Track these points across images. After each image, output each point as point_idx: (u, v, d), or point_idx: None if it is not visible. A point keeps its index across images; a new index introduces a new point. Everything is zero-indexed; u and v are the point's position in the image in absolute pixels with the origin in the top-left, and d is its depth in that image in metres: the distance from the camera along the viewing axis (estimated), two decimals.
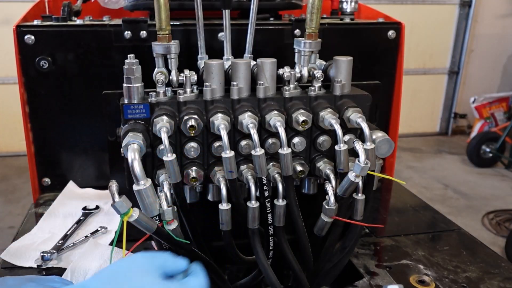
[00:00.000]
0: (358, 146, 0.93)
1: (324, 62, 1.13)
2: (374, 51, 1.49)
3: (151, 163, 1.01)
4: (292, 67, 1.08)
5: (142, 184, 0.84)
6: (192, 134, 0.96)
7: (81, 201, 1.36)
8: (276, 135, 0.99)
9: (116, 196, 0.79)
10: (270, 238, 1.03)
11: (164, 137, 0.90)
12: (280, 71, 1.05)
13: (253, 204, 0.96)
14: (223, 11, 1.17)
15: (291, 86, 1.03)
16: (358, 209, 1.01)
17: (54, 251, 1.09)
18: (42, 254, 1.07)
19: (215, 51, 1.20)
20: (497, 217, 3.84)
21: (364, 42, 1.47)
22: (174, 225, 0.90)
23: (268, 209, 0.99)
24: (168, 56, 1.03)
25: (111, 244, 1.15)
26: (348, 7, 1.66)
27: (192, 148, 0.99)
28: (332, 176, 1.02)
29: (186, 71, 1.01)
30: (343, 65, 1.05)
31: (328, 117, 0.99)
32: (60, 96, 1.36)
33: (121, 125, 0.99)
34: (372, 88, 1.13)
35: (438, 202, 4.05)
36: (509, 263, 1.11)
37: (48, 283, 0.79)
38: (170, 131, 0.94)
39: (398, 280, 1.05)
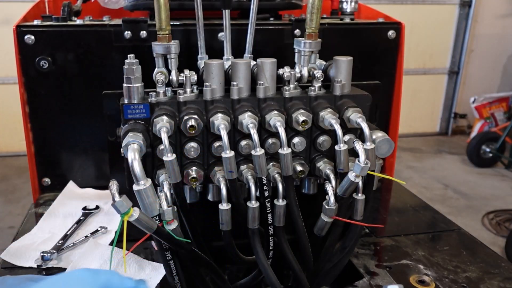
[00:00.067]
0: (358, 146, 0.93)
1: (324, 62, 1.13)
2: (374, 51, 1.49)
3: (151, 163, 1.01)
4: (292, 67, 1.08)
5: (142, 184, 0.84)
6: (192, 134, 0.96)
7: (81, 201, 1.36)
8: (276, 135, 0.99)
9: (117, 195, 0.79)
10: (270, 238, 1.03)
11: (164, 137, 0.90)
12: (280, 71, 1.06)
13: (253, 204, 0.97)
14: (223, 11, 1.17)
15: (291, 86, 1.03)
16: (358, 209, 1.01)
17: (54, 251, 1.09)
18: (42, 254, 1.07)
19: (215, 51, 1.20)
20: (497, 217, 3.84)
21: (364, 42, 1.47)
22: (174, 225, 0.90)
23: (268, 209, 0.99)
24: (168, 56, 1.03)
25: (111, 244, 1.15)
26: (348, 7, 1.66)
27: (192, 148, 0.99)
28: (332, 176, 1.02)
29: (186, 71, 1.01)
30: (343, 65, 1.05)
31: (328, 117, 0.99)
32: (60, 96, 1.36)
33: (121, 125, 0.99)
34: (372, 88, 1.13)
35: (438, 202, 4.05)
36: (509, 263, 1.11)
37: None
38: (170, 131, 0.94)
39: (398, 280, 1.05)
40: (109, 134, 1.08)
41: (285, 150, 0.94)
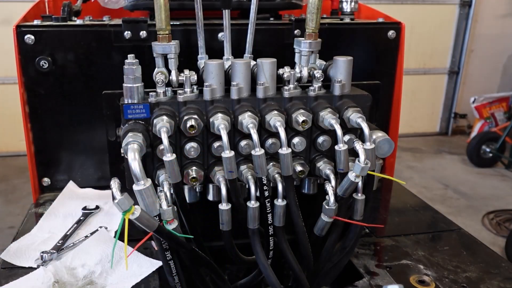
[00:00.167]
0: (358, 146, 0.93)
1: (324, 62, 1.13)
2: (374, 51, 1.49)
3: (151, 163, 1.01)
4: (292, 67, 1.08)
5: (142, 184, 0.84)
6: (192, 134, 0.96)
7: (81, 201, 1.36)
8: (276, 135, 0.99)
9: (118, 193, 0.79)
10: (270, 238, 1.03)
11: (164, 137, 0.90)
12: (280, 71, 1.06)
13: (253, 204, 0.97)
14: (223, 11, 1.17)
15: (291, 86, 1.03)
16: (358, 209, 1.01)
17: (54, 251, 1.09)
18: (42, 254, 1.07)
19: (215, 51, 1.20)
20: (497, 217, 3.84)
21: (364, 42, 1.47)
22: (174, 224, 0.90)
23: (268, 209, 0.99)
24: (168, 56, 1.03)
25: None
26: (348, 7, 1.66)
27: (192, 148, 0.99)
28: (332, 176, 1.02)
29: (186, 71, 1.01)
30: (343, 65, 1.05)
31: (328, 117, 0.99)
32: (60, 96, 1.36)
33: (121, 125, 0.99)
34: (372, 88, 1.13)
35: (438, 202, 4.05)
36: (509, 263, 1.11)
37: None
38: (170, 131, 0.93)
39: (398, 280, 1.05)
40: (109, 134, 1.08)
41: (285, 150, 0.94)
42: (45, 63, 1.30)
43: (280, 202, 0.99)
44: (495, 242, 3.44)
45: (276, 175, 1.00)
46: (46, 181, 1.45)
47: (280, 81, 1.06)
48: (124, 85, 0.97)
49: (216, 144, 1.00)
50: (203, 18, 1.13)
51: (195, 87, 1.02)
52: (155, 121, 0.95)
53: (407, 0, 5.55)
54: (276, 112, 0.99)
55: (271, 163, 1.04)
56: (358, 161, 0.92)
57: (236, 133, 1.01)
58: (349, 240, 1.05)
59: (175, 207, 0.92)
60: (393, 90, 1.55)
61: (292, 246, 1.03)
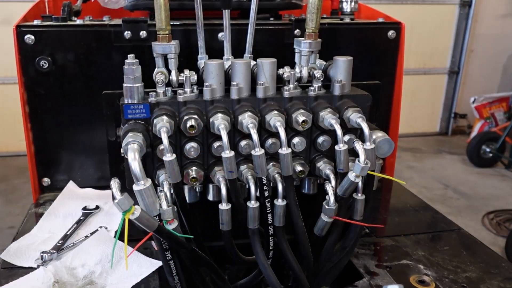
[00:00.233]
0: (358, 146, 0.93)
1: (324, 62, 1.13)
2: (374, 51, 1.49)
3: (151, 163, 1.01)
4: (292, 67, 1.08)
5: (142, 184, 0.84)
6: (192, 134, 0.96)
7: (81, 201, 1.36)
8: (276, 135, 0.99)
9: (118, 193, 0.79)
10: (270, 238, 1.03)
11: (164, 137, 0.90)
12: (280, 71, 1.06)
13: (253, 204, 0.97)
14: (223, 11, 1.17)
15: (291, 86, 1.03)
16: (358, 209, 1.01)
17: (54, 251, 1.09)
18: (42, 254, 1.07)
19: (215, 51, 1.20)
20: (497, 217, 3.84)
21: (364, 42, 1.47)
22: (174, 224, 0.90)
23: (268, 209, 0.99)
24: (168, 56, 1.03)
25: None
26: (348, 7, 1.66)
27: (192, 148, 0.99)
28: (332, 176, 1.02)
29: (186, 71, 1.01)
30: (343, 65, 1.05)
31: (328, 117, 0.99)
32: (60, 96, 1.36)
33: (121, 125, 0.99)
34: (372, 88, 1.13)
35: (438, 202, 4.05)
36: (509, 263, 1.11)
37: None
38: (170, 131, 0.93)
39: (398, 280, 1.05)
40: (109, 134, 1.08)
41: (285, 150, 0.94)
42: (45, 63, 1.30)
43: (280, 202, 0.98)
44: (495, 242, 3.44)
45: (276, 175, 1.00)
46: (46, 181, 1.45)
47: (280, 81, 1.06)
48: (124, 85, 0.97)
49: (216, 144, 1.00)
50: (203, 18, 1.13)
51: (195, 87, 1.02)
52: (155, 121, 0.95)
53: (407, 0, 5.55)
54: (276, 112, 0.99)
55: (271, 163, 1.04)
56: (358, 161, 0.92)
57: (236, 133, 1.01)
58: (349, 240, 1.05)
59: (175, 207, 0.92)
60: (393, 90, 1.55)
61: (292, 246, 1.03)
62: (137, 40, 1.31)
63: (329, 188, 0.99)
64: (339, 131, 0.96)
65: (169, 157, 0.89)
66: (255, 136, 0.93)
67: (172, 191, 0.95)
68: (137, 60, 0.97)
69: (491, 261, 1.13)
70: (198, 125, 0.95)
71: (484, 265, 1.11)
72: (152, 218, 0.85)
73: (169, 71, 1.04)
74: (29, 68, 1.31)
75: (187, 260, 0.98)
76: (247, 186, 0.99)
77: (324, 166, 1.05)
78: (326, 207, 0.99)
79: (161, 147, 0.96)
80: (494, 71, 6.03)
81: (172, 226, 0.90)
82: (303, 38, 1.08)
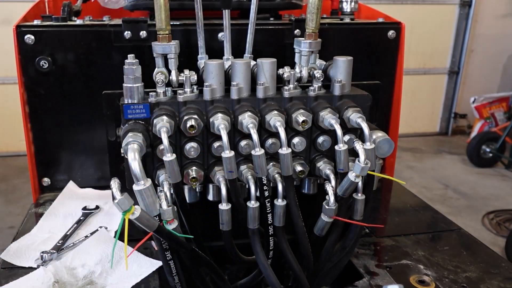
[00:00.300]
0: (358, 146, 0.93)
1: (324, 62, 1.13)
2: (374, 51, 1.49)
3: (151, 163, 1.01)
4: (292, 67, 1.08)
5: (142, 184, 0.84)
6: (192, 134, 0.96)
7: (81, 201, 1.36)
8: (276, 135, 0.99)
9: (118, 193, 0.79)
10: (270, 238, 1.03)
11: (164, 137, 0.90)
12: (280, 71, 1.06)
13: (253, 204, 0.97)
14: (223, 11, 1.17)
15: (291, 86, 1.03)
16: (358, 209, 1.01)
17: (54, 251, 1.09)
18: (42, 254, 1.07)
19: (215, 51, 1.20)
20: (497, 217, 3.84)
21: (364, 42, 1.47)
22: (174, 224, 0.90)
23: (268, 209, 0.99)
24: (168, 56, 1.03)
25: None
26: (348, 7, 1.66)
27: (192, 148, 0.99)
28: (332, 176, 1.02)
29: (186, 71, 1.01)
30: (343, 65, 1.05)
31: (328, 117, 0.99)
32: (60, 96, 1.36)
33: (121, 125, 0.99)
34: (372, 88, 1.13)
35: (438, 202, 4.05)
36: (509, 263, 1.11)
37: None
38: (170, 131, 0.94)
39: (398, 280, 1.05)
40: (109, 134, 1.08)
41: (285, 150, 0.94)
42: (45, 63, 1.30)
43: (280, 202, 0.99)
44: (495, 242, 3.44)
45: (276, 175, 1.00)
46: (46, 181, 1.45)
47: (280, 81, 1.06)
48: (124, 85, 0.97)
49: (216, 144, 1.00)
50: (203, 18, 1.13)
51: (195, 87, 1.02)
52: (155, 121, 0.95)
53: (407, 0, 5.55)
54: (276, 112, 0.99)
55: (271, 163, 1.04)
56: (358, 161, 0.92)
57: (236, 133, 1.01)
58: (349, 240, 1.05)
59: (175, 207, 0.92)
60: (393, 90, 1.55)
61: (292, 246, 1.03)
62: (137, 40, 1.31)
63: (329, 188, 0.99)
64: (339, 131, 0.96)
65: (169, 157, 0.89)
66: (255, 136, 0.93)
67: (172, 191, 0.95)
68: (137, 60, 0.97)
69: (491, 261, 1.13)
70: (198, 125, 0.95)
71: (484, 265, 1.11)
72: (152, 218, 0.85)
73: (169, 71, 1.04)
74: (29, 68, 1.31)
75: (187, 260, 0.98)
76: (247, 186, 0.99)
77: (324, 166, 1.05)
78: (326, 207, 0.99)
79: (161, 147, 0.96)
80: (494, 71, 6.03)
81: (172, 226, 0.90)
82: (303, 38, 1.08)
